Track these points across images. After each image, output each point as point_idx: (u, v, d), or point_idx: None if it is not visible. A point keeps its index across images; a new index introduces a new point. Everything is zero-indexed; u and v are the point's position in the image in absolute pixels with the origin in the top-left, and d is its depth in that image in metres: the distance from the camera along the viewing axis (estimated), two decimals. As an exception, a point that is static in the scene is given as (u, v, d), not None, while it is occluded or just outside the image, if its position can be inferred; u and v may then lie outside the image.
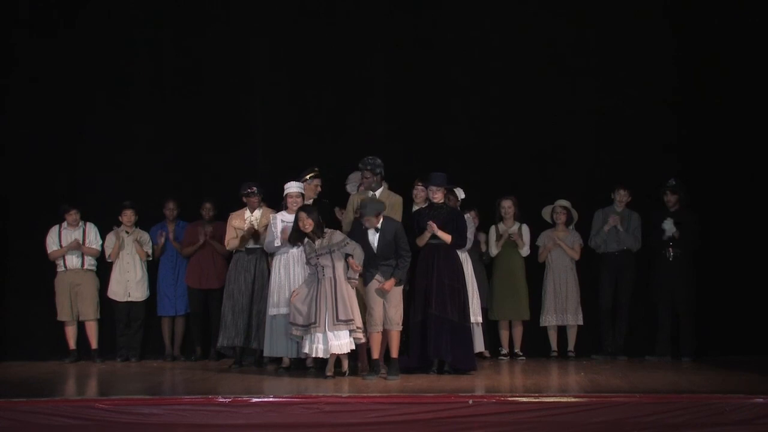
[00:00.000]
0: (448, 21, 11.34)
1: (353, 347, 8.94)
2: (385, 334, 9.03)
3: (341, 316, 8.78)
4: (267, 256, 9.92)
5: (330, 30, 11.32)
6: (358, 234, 9.05)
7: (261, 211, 10.10)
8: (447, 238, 9.28)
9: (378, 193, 9.65)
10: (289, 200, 9.52)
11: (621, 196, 10.85)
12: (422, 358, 9.24)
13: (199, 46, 11.36)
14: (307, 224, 8.91)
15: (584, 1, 11.28)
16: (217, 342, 10.19)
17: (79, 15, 11.27)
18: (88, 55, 11.24)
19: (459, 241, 9.43)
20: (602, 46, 11.24)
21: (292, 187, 9.56)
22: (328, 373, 8.90)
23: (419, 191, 9.85)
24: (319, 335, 8.80)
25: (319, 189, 9.88)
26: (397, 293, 8.96)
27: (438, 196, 9.36)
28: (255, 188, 10.05)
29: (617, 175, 10.96)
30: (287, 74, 11.37)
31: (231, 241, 10.06)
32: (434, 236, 9.23)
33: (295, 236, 9.04)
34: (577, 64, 11.24)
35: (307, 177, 9.83)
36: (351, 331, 8.82)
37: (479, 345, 10.14)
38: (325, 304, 8.79)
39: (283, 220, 9.54)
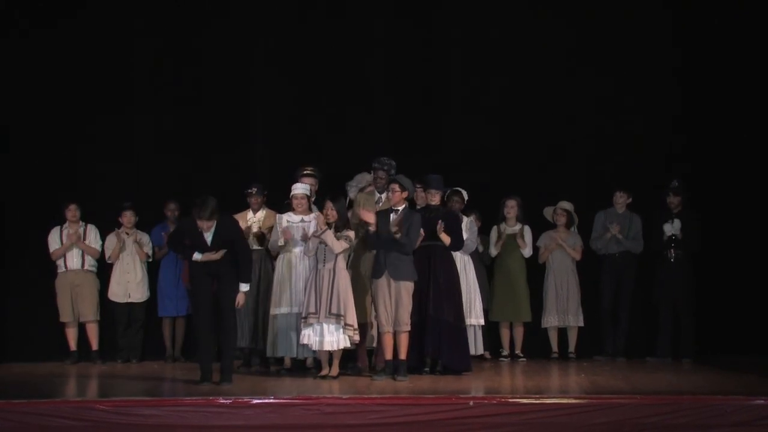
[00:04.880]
0: (450, 21, 11.35)
1: (348, 345, 8.96)
2: (394, 334, 9.00)
3: (333, 310, 8.81)
4: (271, 257, 9.91)
5: (331, 30, 11.33)
6: (381, 220, 9.02)
7: (264, 212, 10.08)
8: (447, 240, 9.28)
9: (384, 195, 9.65)
10: (295, 202, 9.50)
11: (619, 198, 10.86)
12: (418, 359, 9.26)
13: (199, 47, 11.35)
14: (331, 215, 8.94)
15: (586, 2, 11.29)
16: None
17: (79, 15, 11.25)
18: (88, 56, 11.23)
19: (456, 243, 9.42)
20: (604, 47, 11.25)
21: (298, 189, 9.53)
22: (322, 373, 8.93)
23: (418, 193, 9.81)
24: (317, 327, 8.84)
25: (314, 188, 9.84)
26: (406, 294, 8.95)
27: (437, 199, 9.36)
28: (255, 189, 10.04)
29: (619, 177, 10.97)
30: (287, 74, 11.38)
31: None
32: (432, 237, 9.22)
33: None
34: (579, 65, 11.24)
35: (303, 173, 9.82)
36: (343, 328, 8.84)
37: (479, 347, 10.14)
38: (321, 295, 8.84)
39: (289, 220, 9.53)
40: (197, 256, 8.58)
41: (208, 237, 8.56)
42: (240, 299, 8.64)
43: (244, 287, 8.67)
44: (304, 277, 9.28)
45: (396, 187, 9.07)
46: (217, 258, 8.57)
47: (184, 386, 8.70)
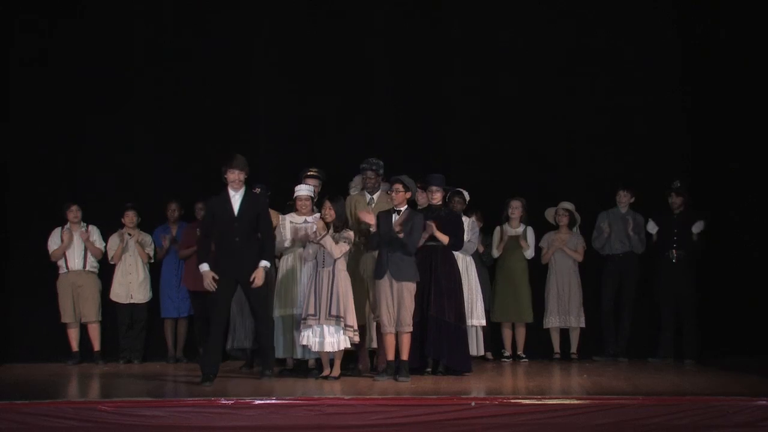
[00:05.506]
0: (453, 22, 11.35)
1: (348, 346, 8.97)
2: (396, 335, 9.00)
3: (333, 311, 8.82)
4: (273, 258, 9.89)
5: (332, 31, 11.33)
6: (384, 220, 9.02)
7: (267, 213, 10.08)
8: (445, 239, 9.28)
9: (376, 196, 9.65)
10: (299, 203, 9.47)
11: (622, 197, 10.86)
12: (420, 359, 9.27)
13: (200, 48, 11.35)
14: (329, 214, 8.96)
15: (589, 2, 11.29)
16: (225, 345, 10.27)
17: (80, 15, 11.26)
18: (89, 56, 11.24)
19: (455, 243, 9.42)
20: (607, 47, 11.24)
21: (302, 190, 9.52)
22: (324, 374, 8.96)
23: (419, 193, 9.80)
24: (317, 328, 8.86)
25: (317, 189, 9.84)
26: (408, 295, 8.96)
27: (437, 197, 9.35)
28: (259, 189, 10.03)
29: (622, 177, 10.97)
30: (289, 75, 11.37)
31: None
32: (432, 238, 9.23)
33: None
34: (582, 65, 11.24)
35: (307, 175, 9.82)
36: (343, 330, 8.85)
37: (481, 348, 10.14)
38: (321, 297, 8.85)
39: (292, 221, 9.51)
40: (204, 267, 8.73)
41: (236, 204, 8.79)
42: (258, 276, 8.72)
43: (265, 263, 8.79)
44: (307, 278, 9.28)
45: (399, 187, 9.06)
46: (212, 289, 8.73)
47: (186, 387, 8.71)
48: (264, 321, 8.96)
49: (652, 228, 10.73)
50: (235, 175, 8.81)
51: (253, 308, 8.95)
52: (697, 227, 10.60)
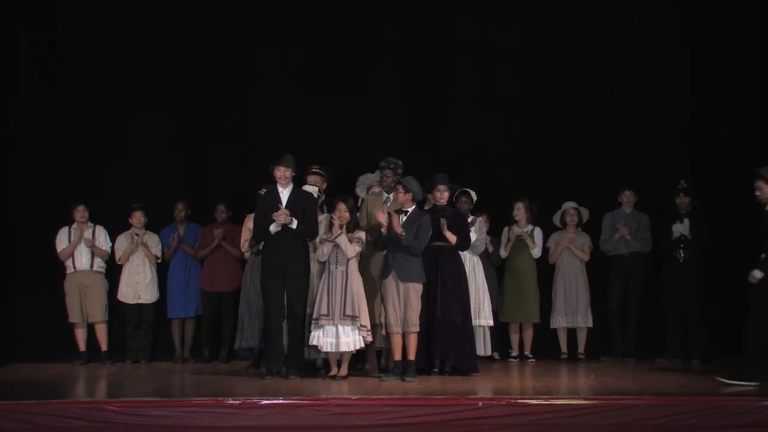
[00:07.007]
0: (456, 23, 11.33)
1: (362, 345, 8.99)
2: (403, 335, 9.00)
3: (347, 311, 8.83)
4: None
5: (338, 32, 11.33)
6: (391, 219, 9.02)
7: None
8: (453, 239, 9.28)
9: (392, 195, 9.65)
10: None
11: (626, 197, 10.84)
12: (427, 359, 9.28)
13: (208, 48, 11.37)
14: (344, 216, 9.00)
15: (592, 2, 11.28)
16: (229, 344, 10.26)
17: (86, 15, 11.28)
18: (96, 56, 11.26)
19: (462, 243, 9.42)
20: (611, 47, 11.24)
21: (307, 190, 9.52)
22: (331, 374, 8.97)
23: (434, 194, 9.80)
24: (330, 328, 8.86)
25: (321, 187, 9.83)
26: (414, 295, 8.96)
27: (445, 196, 9.36)
28: (266, 190, 10.04)
29: (626, 177, 10.96)
30: (296, 76, 11.38)
31: (245, 243, 10.02)
32: (440, 238, 9.22)
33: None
34: (586, 65, 11.23)
35: (311, 172, 9.82)
36: (358, 329, 8.86)
37: (488, 348, 10.14)
38: (335, 297, 8.88)
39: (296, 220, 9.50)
40: (273, 228, 8.95)
41: (284, 200, 9.02)
42: (283, 215, 8.87)
43: (295, 223, 8.92)
44: (315, 277, 9.28)
45: (399, 188, 9.08)
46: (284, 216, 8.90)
47: (194, 387, 8.72)
48: (297, 319, 9.00)
49: (684, 229, 10.64)
50: (281, 172, 9.08)
51: (290, 305, 8.98)
52: (675, 231, 10.57)
